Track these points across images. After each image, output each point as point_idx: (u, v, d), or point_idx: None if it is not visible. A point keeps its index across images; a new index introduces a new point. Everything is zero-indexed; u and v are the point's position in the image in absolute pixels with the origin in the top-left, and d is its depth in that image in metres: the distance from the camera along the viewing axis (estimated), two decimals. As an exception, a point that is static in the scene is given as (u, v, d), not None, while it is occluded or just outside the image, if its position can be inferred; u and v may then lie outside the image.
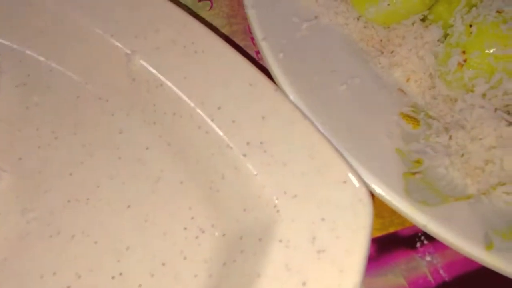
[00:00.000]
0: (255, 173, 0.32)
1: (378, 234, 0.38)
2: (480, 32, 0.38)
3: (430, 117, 0.42)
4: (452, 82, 0.40)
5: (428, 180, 0.35)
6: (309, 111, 0.35)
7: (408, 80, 0.44)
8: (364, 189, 0.31)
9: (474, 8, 0.40)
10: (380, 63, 0.43)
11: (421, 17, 0.43)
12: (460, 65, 0.40)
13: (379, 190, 0.33)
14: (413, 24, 0.43)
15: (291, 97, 0.35)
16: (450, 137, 0.38)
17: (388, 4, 0.41)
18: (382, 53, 0.44)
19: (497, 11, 0.39)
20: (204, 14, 0.47)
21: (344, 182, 0.31)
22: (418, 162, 0.37)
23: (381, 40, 0.44)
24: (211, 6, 0.47)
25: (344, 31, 0.44)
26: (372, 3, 0.43)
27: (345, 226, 0.30)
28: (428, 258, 0.38)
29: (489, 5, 0.39)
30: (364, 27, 0.44)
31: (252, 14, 0.39)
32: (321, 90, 0.38)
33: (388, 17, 0.43)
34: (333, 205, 0.30)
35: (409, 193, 0.34)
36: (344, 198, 0.30)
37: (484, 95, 0.39)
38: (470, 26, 0.40)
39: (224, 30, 0.46)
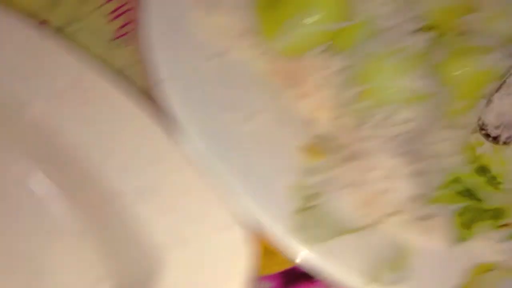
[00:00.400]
0: (144, 221, 0.33)
1: (284, 268, 0.39)
2: (372, 64, 0.39)
3: (336, 147, 0.43)
4: (354, 112, 0.41)
5: (323, 214, 0.36)
6: (207, 152, 0.37)
7: (316, 110, 0.46)
8: (247, 232, 0.32)
9: (372, 39, 0.41)
10: (288, 95, 0.45)
11: (326, 48, 0.45)
12: (360, 95, 0.41)
13: (268, 230, 0.34)
14: (318, 54, 0.45)
15: (190, 138, 0.37)
16: (349, 168, 0.39)
17: (284, 39, 0.42)
18: (291, 85, 0.45)
19: (386, 43, 0.39)
20: (120, 51, 0.48)
21: (228, 226, 0.32)
22: (315, 196, 0.38)
23: (290, 72, 0.46)
24: (128, 44, 0.49)
25: (253, 65, 0.45)
26: (278, 35, 0.44)
27: (226, 269, 0.31)
28: (334, 292, 0.39)
29: (374, 36, 0.41)
30: (273, 60, 0.45)
31: (154, 54, 0.41)
32: (223, 129, 0.39)
33: (292, 50, 0.44)
34: (216, 250, 0.31)
35: (295, 231, 0.35)
36: (227, 242, 0.32)
37: (381, 124, 0.40)
38: (369, 56, 0.41)
39: (139, 67, 0.47)
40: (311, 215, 0.36)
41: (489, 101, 0.39)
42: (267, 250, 0.38)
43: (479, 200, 0.41)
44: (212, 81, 0.42)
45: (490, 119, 0.38)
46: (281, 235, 0.34)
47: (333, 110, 0.43)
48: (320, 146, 0.41)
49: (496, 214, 0.39)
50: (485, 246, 0.37)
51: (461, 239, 0.37)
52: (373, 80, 0.38)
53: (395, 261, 0.35)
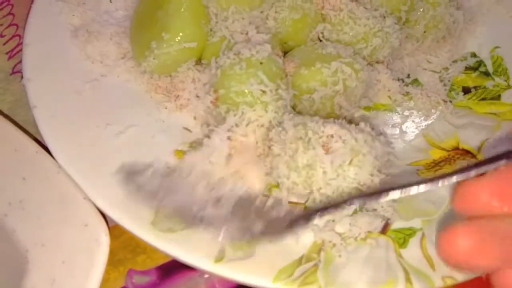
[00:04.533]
0: (13, 230, 0.37)
1: (162, 261, 0.43)
2: (223, 73, 0.44)
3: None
4: (217, 117, 0.46)
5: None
6: (70, 165, 0.41)
7: (194, 118, 0.50)
8: (102, 229, 0.36)
9: (220, 52, 0.46)
10: (166, 108, 0.49)
11: (194, 63, 0.49)
12: (214, 102, 0.46)
13: (127, 226, 0.38)
14: (189, 69, 0.49)
15: (57, 156, 0.41)
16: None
17: (154, 58, 0.47)
18: (170, 99, 0.50)
19: (234, 54, 0.45)
20: (15, 85, 0.53)
21: (86, 225, 0.36)
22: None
23: (167, 87, 0.50)
24: (22, 77, 0.53)
25: (132, 85, 0.49)
26: (147, 56, 0.48)
27: (81, 266, 0.34)
28: (206, 276, 0.42)
29: (230, 49, 0.46)
30: (150, 77, 0.50)
31: (28, 84, 0.45)
32: (91, 144, 0.43)
33: (162, 68, 0.48)
34: (73, 248, 0.35)
35: (156, 223, 0.38)
36: (83, 240, 0.35)
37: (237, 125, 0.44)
38: (217, 68, 0.46)
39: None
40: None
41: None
42: (142, 246, 0.42)
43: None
44: (89, 103, 0.46)
45: None
46: (141, 227, 0.38)
47: (207, 117, 0.48)
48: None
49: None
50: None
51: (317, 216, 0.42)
52: (225, 87, 0.43)
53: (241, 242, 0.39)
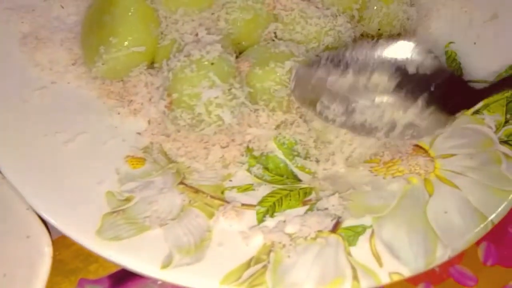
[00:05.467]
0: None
1: (115, 270, 0.42)
2: (175, 76, 0.44)
3: (162, 153, 0.47)
4: (173, 121, 0.46)
5: (131, 214, 0.40)
6: (17, 174, 0.40)
7: (149, 123, 0.50)
8: (44, 241, 0.35)
9: (171, 55, 0.46)
10: (119, 113, 0.49)
11: (146, 67, 0.49)
12: (168, 106, 0.45)
13: (72, 236, 0.37)
14: (141, 73, 0.49)
15: (1, 165, 0.40)
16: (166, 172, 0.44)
17: (103, 64, 0.46)
18: (123, 104, 0.49)
19: (185, 56, 0.44)
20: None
21: (28, 237, 0.36)
22: (127, 199, 0.41)
23: (119, 92, 0.50)
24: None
25: (83, 91, 0.49)
26: (97, 60, 0.47)
27: (23, 278, 0.34)
28: (159, 282, 0.42)
29: (181, 51, 0.45)
30: (102, 83, 0.49)
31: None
32: (39, 152, 0.42)
33: (113, 73, 0.48)
34: (15, 261, 0.35)
35: (101, 232, 0.38)
36: (25, 252, 0.35)
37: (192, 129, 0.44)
38: (175, 70, 0.45)
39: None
40: (119, 217, 0.39)
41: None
42: (94, 255, 0.42)
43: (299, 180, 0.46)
44: (37, 111, 0.45)
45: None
46: (86, 236, 0.37)
47: (157, 121, 0.48)
48: (142, 156, 0.45)
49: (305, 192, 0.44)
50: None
51: (269, 216, 0.42)
52: (178, 91, 0.43)
53: (194, 245, 0.39)
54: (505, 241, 0.47)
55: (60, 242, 0.40)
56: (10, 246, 0.35)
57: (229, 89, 0.43)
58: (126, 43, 0.46)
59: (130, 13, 0.46)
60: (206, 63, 0.43)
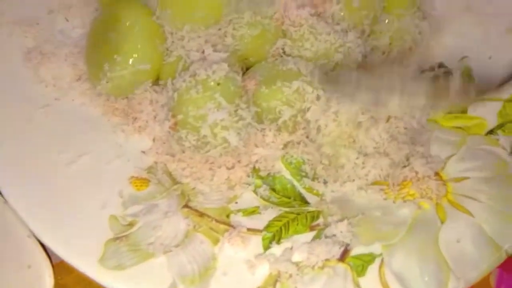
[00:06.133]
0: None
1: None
2: (180, 97, 0.43)
3: (167, 173, 0.46)
4: (178, 141, 0.45)
5: (134, 241, 0.39)
6: (18, 198, 0.40)
7: (153, 140, 0.49)
8: (46, 271, 0.35)
9: (177, 74, 0.45)
10: (123, 131, 0.48)
11: (151, 84, 0.48)
12: (173, 128, 0.44)
13: (74, 263, 0.37)
14: (146, 91, 0.48)
15: (2, 189, 0.39)
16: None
17: (107, 82, 0.45)
18: (128, 121, 0.48)
19: (191, 75, 0.43)
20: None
21: (29, 266, 0.35)
22: (131, 224, 0.41)
23: (124, 109, 0.49)
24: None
25: (87, 108, 0.48)
26: (102, 77, 0.47)
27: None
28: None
29: (187, 69, 0.44)
30: (107, 100, 0.49)
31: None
32: (41, 175, 0.42)
33: (118, 90, 0.47)
34: (22, 284, 0.34)
35: (103, 260, 0.37)
36: (26, 283, 0.34)
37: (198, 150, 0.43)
38: (174, 91, 0.44)
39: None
40: (122, 243, 0.39)
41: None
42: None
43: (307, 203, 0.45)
44: (40, 130, 0.45)
45: None
46: (88, 265, 0.37)
47: (162, 139, 0.47)
48: (146, 177, 0.44)
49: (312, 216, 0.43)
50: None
51: (276, 242, 0.41)
52: (183, 112, 0.42)
53: (198, 274, 0.38)
54: (519, 268, 0.46)
55: (62, 266, 0.39)
56: (11, 276, 0.34)
57: (235, 110, 0.42)
58: (131, 61, 0.45)
59: (135, 30, 0.45)
60: (212, 83, 0.42)
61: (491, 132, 0.48)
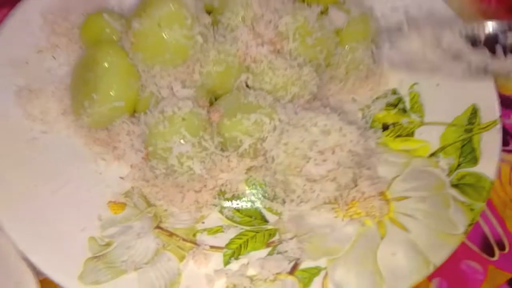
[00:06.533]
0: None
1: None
2: (150, 132, 0.48)
3: (142, 197, 0.52)
4: (151, 169, 0.50)
5: (110, 259, 0.45)
6: (9, 222, 0.45)
7: (131, 167, 0.54)
8: (30, 285, 0.40)
9: (147, 111, 0.50)
10: (104, 159, 0.54)
11: (128, 117, 0.54)
12: (145, 158, 0.50)
13: (57, 280, 0.43)
14: (123, 123, 0.53)
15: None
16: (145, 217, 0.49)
17: (87, 117, 0.51)
18: (107, 150, 0.54)
19: (159, 112, 0.48)
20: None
21: (18, 283, 0.41)
22: (108, 244, 0.46)
23: (104, 139, 0.55)
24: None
25: (71, 140, 0.54)
26: (84, 112, 0.52)
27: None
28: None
29: (155, 107, 0.50)
30: (89, 131, 0.54)
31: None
32: (29, 202, 0.47)
33: (97, 123, 0.53)
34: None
35: (82, 277, 0.43)
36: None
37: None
38: (150, 124, 0.50)
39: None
40: (99, 262, 0.44)
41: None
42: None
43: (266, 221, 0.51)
44: (31, 161, 0.51)
45: None
46: (69, 281, 0.43)
47: (138, 166, 0.53)
48: (123, 201, 0.50)
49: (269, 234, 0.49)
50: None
51: (234, 258, 0.47)
52: (152, 144, 0.48)
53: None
54: (457, 278, 0.51)
55: (46, 282, 0.45)
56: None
57: (199, 142, 0.48)
58: (107, 99, 0.50)
59: (111, 71, 0.51)
60: (177, 119, 0.48)
61: (433, 154, 0.54)
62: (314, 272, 0.45)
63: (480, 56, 0.49)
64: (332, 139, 0.46)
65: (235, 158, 0.51)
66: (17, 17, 0.58)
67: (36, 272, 0.44)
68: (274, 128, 0.49)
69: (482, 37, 0.49)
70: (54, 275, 0.43)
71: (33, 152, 0.51)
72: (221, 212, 0.51)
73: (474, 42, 0.50)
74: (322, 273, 0.45)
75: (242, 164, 0.52)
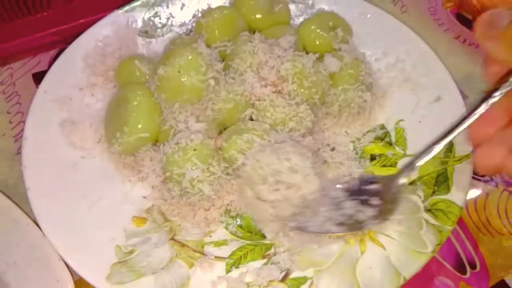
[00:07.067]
0: (8, 284, 0.51)
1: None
2: (167, 159, 0.57)
3: (160, 213, 0.61)
4: (168, 190, 0.60)
5: (131, 264, 0.54)
6: (53, 232, 0.55)
7: (152, 188, 0.64)
8: (70, 284, 0.50)
9: (166, 142, 0.60)
10: (130, 181, 0.63)
11: (152, 145, 0.64)
12: (163, 181, 0.59)
13: (89, 280, 0.52)
14: (148, 150, 0.63)
15: (42, 226, 0.55)
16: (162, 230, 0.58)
17: (119, 145, 0.61)
18: (134, 173, 0.64)
19: (175, 143, 0.58)
20: (19, 164, 0.67)
21: (58, 281, 0.50)
22: (130, 252, 0.56)
23: (131, 164, 0.65)
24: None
25: (104, 164, 0.64)
26: (116, 141, 0.63)
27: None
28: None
29: (172, 139, 0.60)
30: (119, 157, 0.64)
31: (24, 170, 0.60)
32: (69, 216, 0.57)
33: (126, 151, 0.63)
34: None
35: (109, 278, 0.52)
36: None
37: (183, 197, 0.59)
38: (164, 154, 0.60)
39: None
40: (123, 266, 0.54)
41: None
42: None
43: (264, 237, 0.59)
44: (72, 181, 0.61)
45: None
46: (99, 281, 0.52)
47: (158, 188, 0.62)
48: (144, 216, 0.59)
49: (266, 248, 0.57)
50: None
51: (235, 267, 0.55)
52: (169, 170, 0.57)
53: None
54: (430, 292, 0.58)
55: (80, 282, 0.54)
56: (46, 287, 0.50)
57: (208, 168, 0.57)
58: (135, 130, 0.61)
59: (139, 108, 0.61)
60: (189, 149, 0.57)
61: (412, 183, 0.61)
62: (302, 281, 0.53)
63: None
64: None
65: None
66: (63, 59, 0.70)
67: (72, 273, 0.53)
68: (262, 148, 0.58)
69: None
70: (87, 276, 0.52)
71: (74, 173, 0.61)
72: (226, 228, 0.60)
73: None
74: (308, 282, 0.53)
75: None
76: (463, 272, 0.59)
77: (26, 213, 0.57)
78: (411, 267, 0.53)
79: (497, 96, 0.46)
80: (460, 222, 0.62)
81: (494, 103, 0.47)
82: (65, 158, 0.63)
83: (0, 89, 0.74)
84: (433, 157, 0.62)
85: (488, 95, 0.47)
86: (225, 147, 0.59)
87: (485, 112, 0.47)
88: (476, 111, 0.48)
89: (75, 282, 0.53)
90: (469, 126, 0.49)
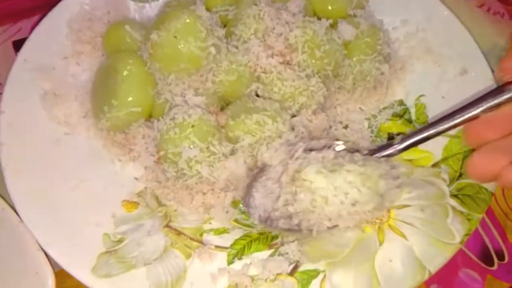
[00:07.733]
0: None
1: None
2: (161, 137, 0.51)
3: (154, 197, 0.55)
4: (163, 171, 0.53)
5: (121, 254, 0.48)
6: (30, 217, 0.49)
7: (145, 168, 0.58)
8: (50, 276, 0.44)
9: (161, 118, 0.53)
10: (120, 160, 0.57)
11: (144, 121, 0.57)
12: (157, 161, 0.53)
13: (72, 272, 0.46)
14: (140, 127, 0.57)
15: (19, 210, 0.49)
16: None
17: (106, 121, 0.55)
18: (124, 152, 0.58)
19: (170, 119, 0.51)
20: None
21: (37, 272, 0.44)
22: (120, 240, 0.50)
23: (121, 142, 0.58)
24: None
25: (91, 141, 0.57)
26: (103, 116, 0.55)
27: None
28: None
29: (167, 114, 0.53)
30: (108, 134, 0.58)
31: (1, 147, 0.53)
32: (50, 198, 0.51)
33: (115, 127, 0.56)
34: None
35: (95, 270, 0.46)
36: (34, 284, 0.43)
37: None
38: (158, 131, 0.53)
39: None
40: (111, 256, 0.48)
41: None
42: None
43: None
44: (54, 161, 0.54)
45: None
46: (83, 273, 0.46)
47: (151, 168, 0.56)
48: (136, 200, 0.53)
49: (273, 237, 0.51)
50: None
51: (238, 258, 0.49)
52: (164, 149, 0.51)
53: (170, 284, 0.46)
54: (454, 285, 0.52)
55: (62, 274, 0.48)
56: (23, 280, 0.44)
57: (207, 147, 0.51)
58: (125, 104, 0.54)
59: (129, 79, 0.54)
60: (187, 125, 0.50)
61: (435, 165, 0.55)
62: (313, 274, 0.47)
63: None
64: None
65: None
66: (45, 25, 0.62)
67: (53, 264, 0.47)
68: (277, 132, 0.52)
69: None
70: (69, 268, 0.46)
71: (56, 152, 0.55)
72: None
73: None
74: (321, 276, 0.47)
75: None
76: (490, 263, 0.53)
77: (1, 196, 0.51)
78: (437, 260, 0.47)
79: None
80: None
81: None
82: (47, 134, 0.56)
83: (-24, 58, 0.67)
84: (458, 137, 0.57)
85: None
86: (231, 125, 0.52)
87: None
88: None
89: (56, 274, 0.47)
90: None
